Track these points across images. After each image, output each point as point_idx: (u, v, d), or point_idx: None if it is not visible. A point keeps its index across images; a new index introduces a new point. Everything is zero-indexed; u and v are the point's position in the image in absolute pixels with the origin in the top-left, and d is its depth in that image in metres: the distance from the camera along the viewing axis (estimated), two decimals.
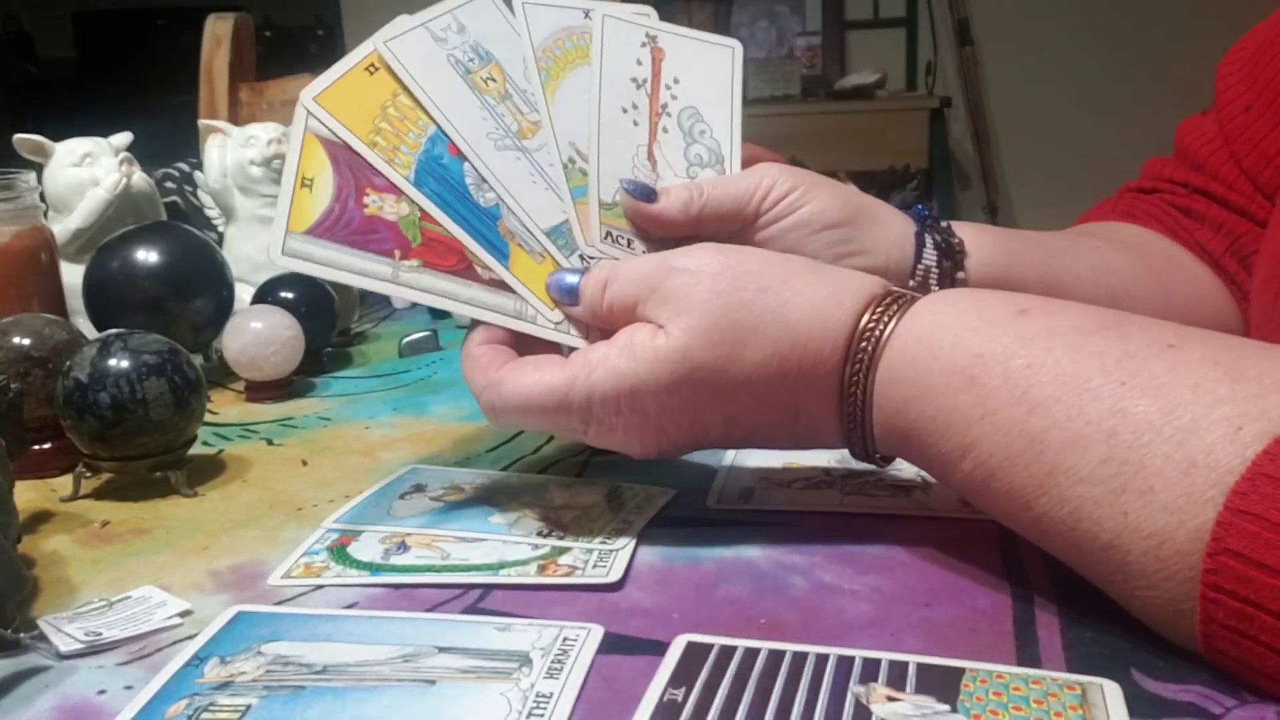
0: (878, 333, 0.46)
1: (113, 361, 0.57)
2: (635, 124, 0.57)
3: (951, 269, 0.59)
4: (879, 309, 0.46)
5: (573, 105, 0.56)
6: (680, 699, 0.37)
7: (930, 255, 0.58)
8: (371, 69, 0.53)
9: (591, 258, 0.54)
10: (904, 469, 0.56)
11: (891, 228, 0.58)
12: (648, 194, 0.55)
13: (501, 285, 0.52)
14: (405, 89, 0.53)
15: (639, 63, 0.58)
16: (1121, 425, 0.38)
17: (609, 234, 0.55)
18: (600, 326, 0.51)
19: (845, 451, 0.58)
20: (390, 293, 0.50)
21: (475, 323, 0.52)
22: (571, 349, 0.52)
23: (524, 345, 0.52)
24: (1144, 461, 0.37)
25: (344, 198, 0.50)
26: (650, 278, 0.49)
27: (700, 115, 0.58)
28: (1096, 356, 0.40)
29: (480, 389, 0.50)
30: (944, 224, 0.60)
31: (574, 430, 0.49)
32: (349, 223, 0.50)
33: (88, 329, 0.71)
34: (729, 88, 0.59)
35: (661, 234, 0.56)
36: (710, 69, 0.59)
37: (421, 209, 0.51)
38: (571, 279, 0.52)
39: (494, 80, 0.54)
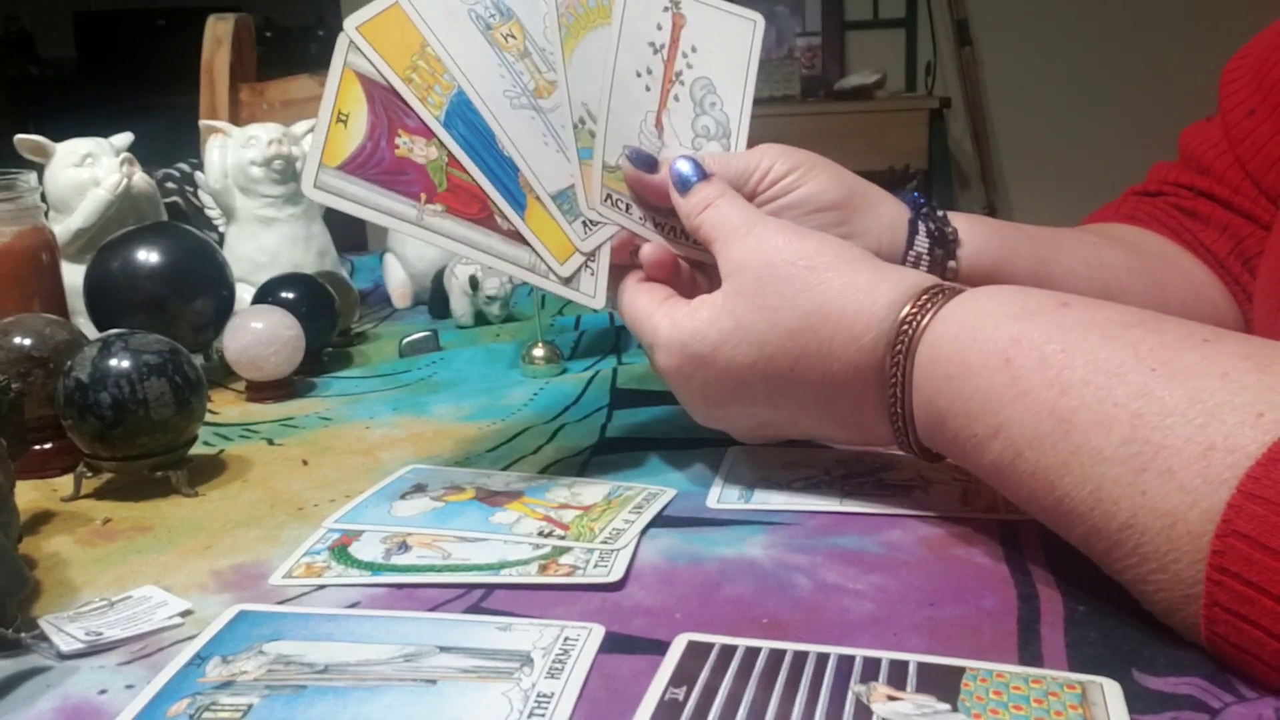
0: (921, 318, 0.47)
1: (113, 361, 0.57)
2: (647, 89, 0.57)
3: (943, 257, 0.60)
4: (925, 297, 0.48)
5: (589, 65, 0.56)
6: (681, 698, 0.37)
7: (922, 242, 0.59)
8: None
9: (593, 221, 0.55)
10: (902, 468, 0.56)
11: (885, 213, 0.59)
12: (649, 164, 0.56)
13: (519, 238, 0.53)
14: (425, 42, 0.53)
15: (659, 27, 0.58)
16: (1147, 408, 0.38)
17: (609, 196, 0.55)
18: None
19: (845, 452, 0.59)
20: (414, 235, 0.52)
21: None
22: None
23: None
24: (1165, 442, 0.37)
25: (377, 136, 0.51)
26: (732, 231, 0.53)
27: (713, 87, 0.59)
28: (1131, 345, 0.41)
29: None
30: (940, 213, 0.61)
31: (661, 375, 0.55)
32: (380, 162, 0.51)
33: (89, 329, 0.71)
34: (745, 61, 0.59)
35: (658, 204, 0.56)
36: (729, 41, 0.60)
37: (449, 154, 0.52)
38: (693, 177, 0.55)
39: (514, 37, 0.55)
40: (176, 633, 0.44)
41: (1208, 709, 0.35)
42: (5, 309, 0.67)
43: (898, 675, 0.37)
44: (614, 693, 0.38)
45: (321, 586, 0.47)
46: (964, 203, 3.42)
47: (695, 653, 0.39)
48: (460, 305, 0.93)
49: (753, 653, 0.39)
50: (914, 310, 0.48)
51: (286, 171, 0.91)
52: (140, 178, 0.86)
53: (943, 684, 0.37)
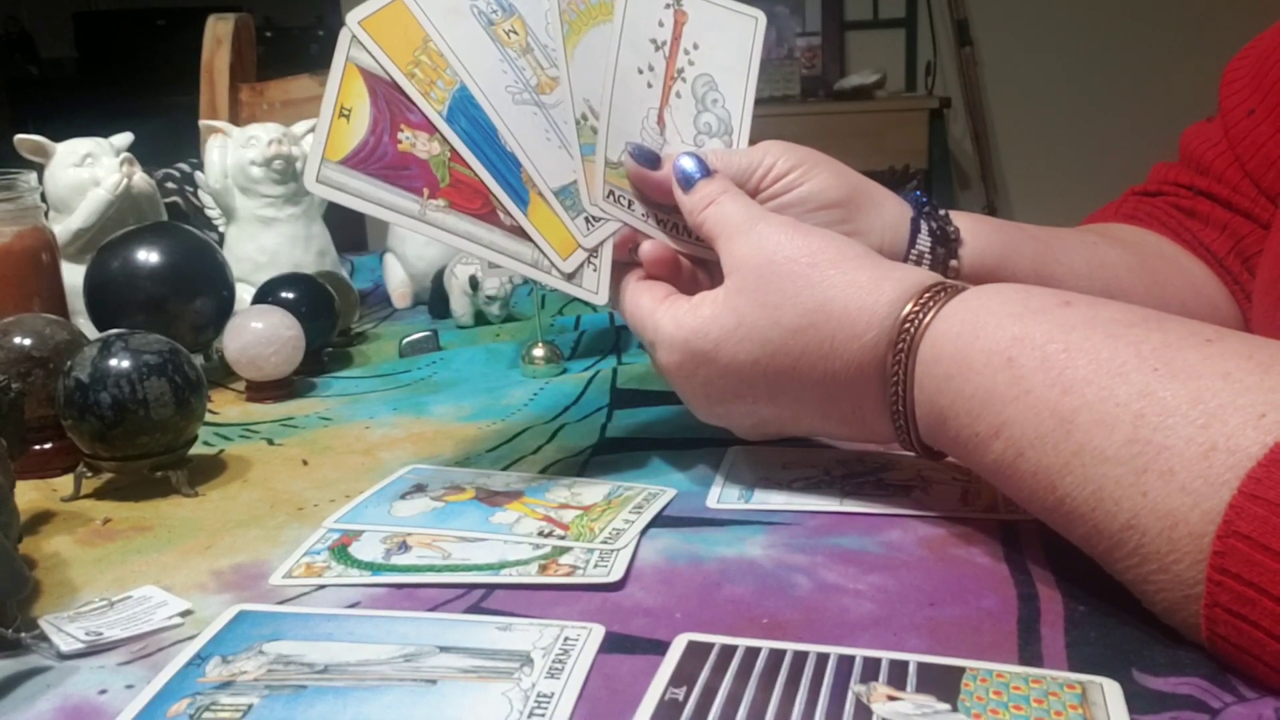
0: (924, 316, 0.47)
1: (113, 361, 0.57)
2: (649, 86, 0.57)
3: (945, 256, 0.60)
4: (927, 295, 0.48)
5: (591, 62, 0.56)
6: (681, 698, 0.37)
7: (924, 241, 0.59)
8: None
9: (595, 217, 0.55)
10: (902, 468, 0.56)
11: (888, 211, 0.59)
12: (651, 160, 0.56)
13: (522, 233, 0.53)
14: (427, 37, 0.53)
15: (661, 24, 0.58)
16: (1149, 408, 0.38)
17: (611, 193, 0.55)
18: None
19: (845, 452, 0.59)
20: (416, 230, 0.52)
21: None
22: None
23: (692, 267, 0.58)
24: (1167, 443, 0.37)
25: (379, 131, 0.51)
26: (735, 228, 0.53)
27: (715, 84, 0.59)
28: (1133, 344, 0.41)
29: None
30: (941, 212, 0.61)
31: (662, 373, 0.55)
32: (382, 156, 0.51)
33: (89, 329, 0.71)
34: (747, 58, 0.60)
35: (661, 201, 0.56)
36: (730, 38, 0.60)
37: (452, 148, 0.52)
38: (696, 174, 0.55)
39: (516, 33, 0.55)
40: (176, 633, 0.44)
41: (1208, 709, 0.35)
42: (5, 309, 0.67)
43: (898, 675, 0.37)
44: (614, 693, 0.38)
45: (321, 586, 0.47)
46: (964, 203, 3.42)
47: (695, 653, 0.39)
48: (460, 305, 0.93)
49: (753, 653, 0.39)
50: (916, 308, 0.48)
51: (286, 171, 0.91)
52: (140, 178, 0.86)
53: (943, 684, 0.37)
